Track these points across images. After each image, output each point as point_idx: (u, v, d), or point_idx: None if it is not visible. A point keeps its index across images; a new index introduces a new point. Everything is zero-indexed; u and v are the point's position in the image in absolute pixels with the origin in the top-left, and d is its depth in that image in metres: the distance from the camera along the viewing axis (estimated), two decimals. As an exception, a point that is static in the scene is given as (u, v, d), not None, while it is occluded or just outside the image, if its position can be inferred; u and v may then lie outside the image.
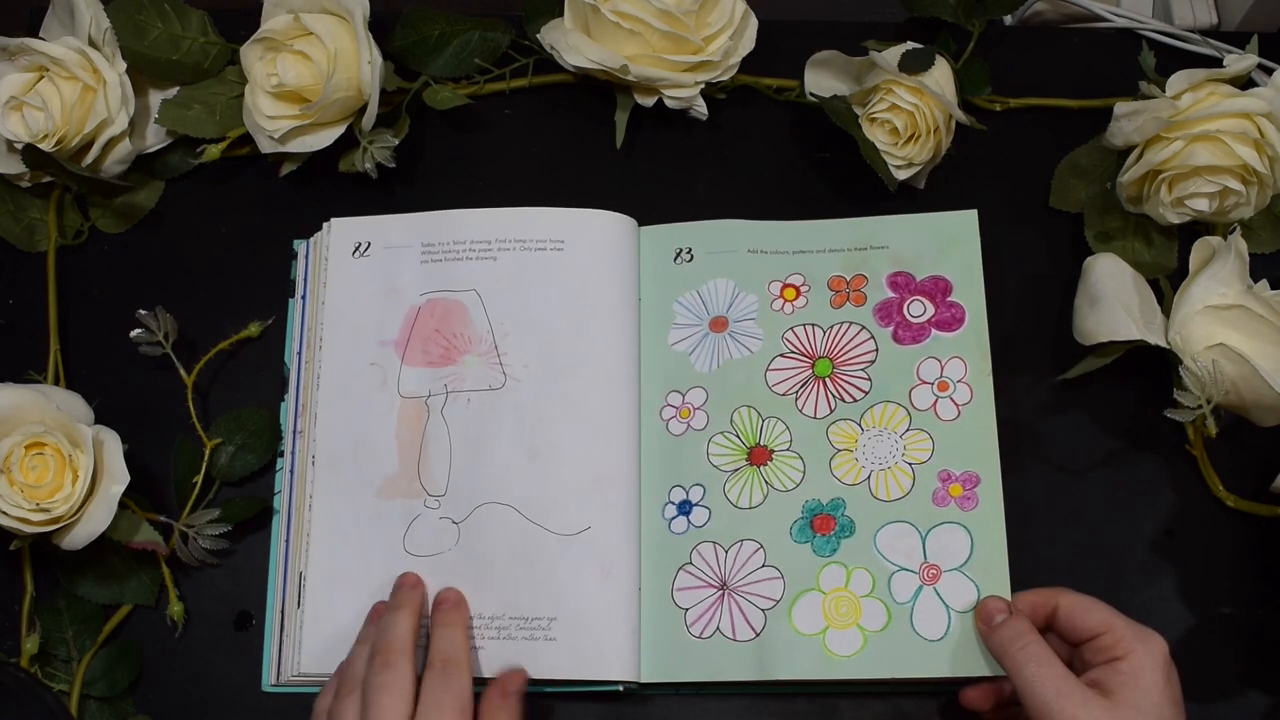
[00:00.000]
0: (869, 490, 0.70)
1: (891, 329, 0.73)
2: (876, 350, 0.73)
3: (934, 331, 0.72)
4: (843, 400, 0.72)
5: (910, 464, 0.70)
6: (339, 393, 0.74)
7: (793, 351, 0.73)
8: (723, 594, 0.69)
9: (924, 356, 0.72)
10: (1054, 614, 0.64)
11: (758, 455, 0.72)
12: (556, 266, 0.74)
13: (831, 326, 0.74)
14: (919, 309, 0.73)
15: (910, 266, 0.74)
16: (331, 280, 0.76)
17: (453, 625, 0.67)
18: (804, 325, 0.74)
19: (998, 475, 0.69)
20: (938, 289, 0.73)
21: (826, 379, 0.73)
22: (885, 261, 0.74)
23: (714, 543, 0.70)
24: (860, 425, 0.71)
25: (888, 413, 0.71)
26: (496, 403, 0.72)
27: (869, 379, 0.72)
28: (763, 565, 0.69)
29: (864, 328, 0.73)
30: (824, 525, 0.69)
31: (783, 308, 0.74)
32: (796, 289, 0.75)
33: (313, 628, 0.70)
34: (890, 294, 0.74)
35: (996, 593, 0.67)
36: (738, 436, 0.72)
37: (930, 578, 0.68)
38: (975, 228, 0.74)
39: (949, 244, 0.74)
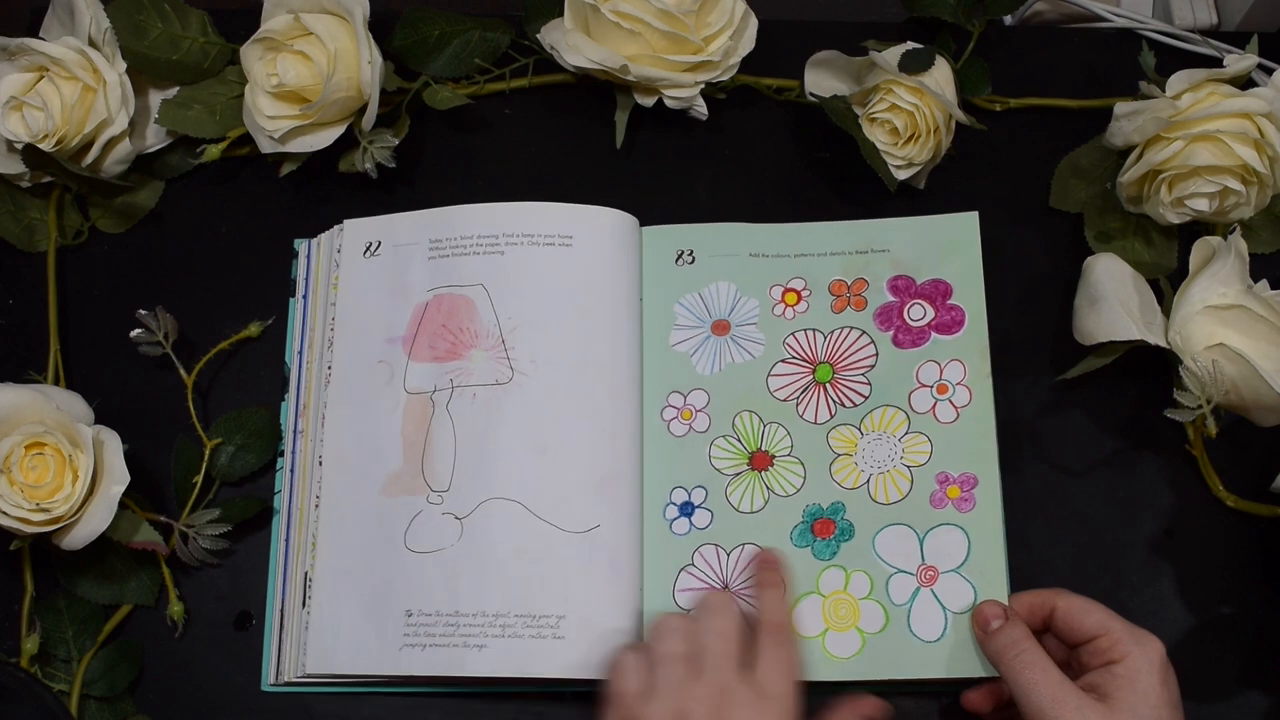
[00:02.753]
0: (868, 494, 0.70)
1: (892, 333, 0.73)
2: (876, 355, 0.73)
3: (934, 335, 0.72)
4: (843, 405, 0.72)
5: (909, 467, 0.70)
6: (348, 392, 0.74)
7: (794, 357, 0.73)
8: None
9: (923, 360, 0.72)
10: (1051, 615, 0.64)
11: (759, 460, 0.72)
12: (565, 262, 0.74)
13: (832, 331, 0.74)
14: (919, 312, 0.73)
15: (911, 270, 0.74)
16: (343, 281, 0.76)
17: (778, 587, 0.67)
18: (805, 330, 0.74)
19: (996, 477, 0.69)
20: (938, 292, 0.73)
21: (827, 384, 0.73)
22: (886, 265, 0.74)
23: (716, 545, 0.70)
24: (860, 430, 0.71)
25: (887, 416, 0.71)
26: (503, 398, 0.72)
27: (869, 383, 0.72)
28: None
29: (864, 332, 0.73)
30: (824, 529, 0.69)
31: (784, 312, 0.74)
32: (798, 293, 0.75)
33: (317, 627, 0.70)
34: (891, 298, 0.74)
35: (993, 594, 0.67)
36: (739, 441, 0.72)
37: (927, 580, 0.68)
38: (976, 230, 0.74)
39: (950, 247, 0.74)
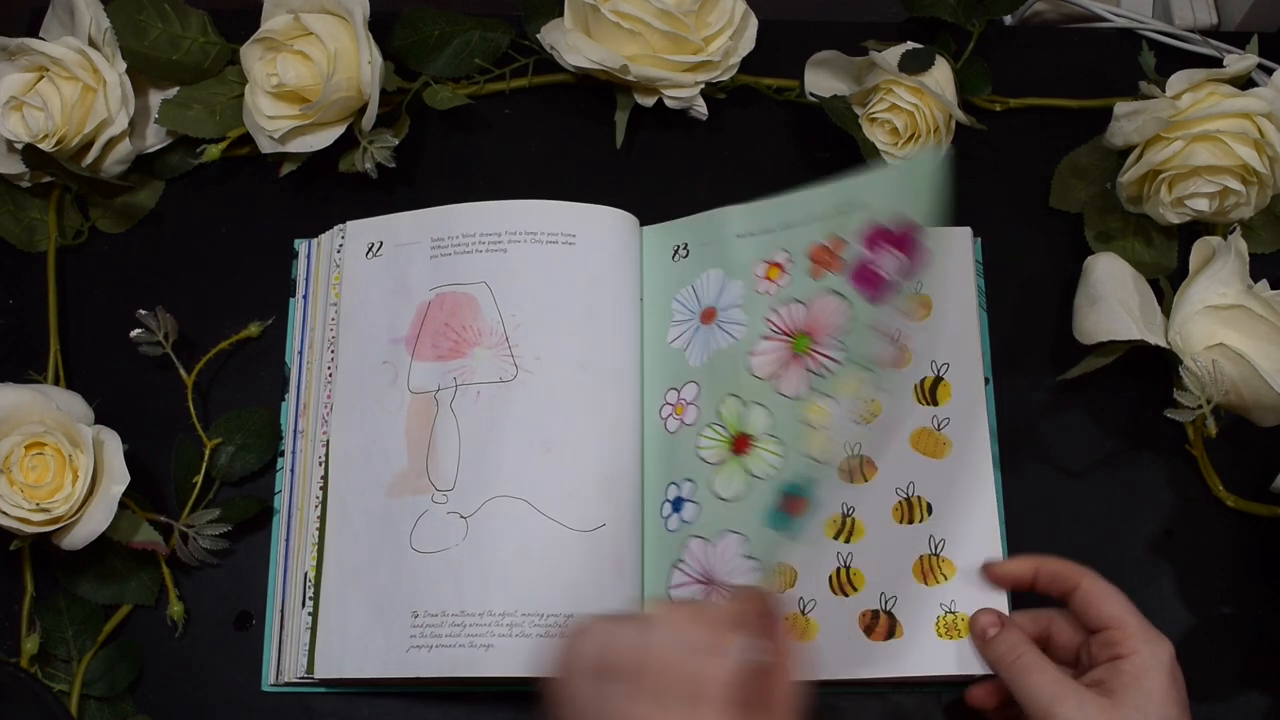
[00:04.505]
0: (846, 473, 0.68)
1: (866, 290, 0.67)
2: (851, 316, 0.67)
3: (904, 284, 0.66)
4: (818, 375, 0.67)
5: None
6: (352, 395, 0.73)
7: (775, 332, 0.71)
8: (710, 589, 0.68)
9: (895, 314, 0.66)
10: (1073, 592, 0.64)
11: (739, 444, 0.70)
12: (569, 260, 0.74)
13: (813, 299, 0.71)
14: (891, 263, 0.66)
15: (886, 220, 0.67)
16: (345, 283, 0.76)
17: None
18: (786, 304, 0.71)
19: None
20: (908, 240, 0.66)
21: (805, 355, 0.70)
22: (864, 220, 0.68)
23: (701, 537, 0.69)
24: (834, 399, 0.66)
25: (859, 384, 0.65)
26: (507, 395, 0.71)
27: (843, 347, 0.67)
28: (741, 556, 0.67)
29: (840, 294, 0.68)
30: (795, 508, 0.67)
31: (766, 289, 0.72)
32: (780, 266, 0.72)
33: (325, 630, 0.69)
34: (866, 253, 0.68)
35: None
36: (723, 427, 0.70)
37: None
38: (935, 170, 0.65)
39: (916, 191, 0.65)
